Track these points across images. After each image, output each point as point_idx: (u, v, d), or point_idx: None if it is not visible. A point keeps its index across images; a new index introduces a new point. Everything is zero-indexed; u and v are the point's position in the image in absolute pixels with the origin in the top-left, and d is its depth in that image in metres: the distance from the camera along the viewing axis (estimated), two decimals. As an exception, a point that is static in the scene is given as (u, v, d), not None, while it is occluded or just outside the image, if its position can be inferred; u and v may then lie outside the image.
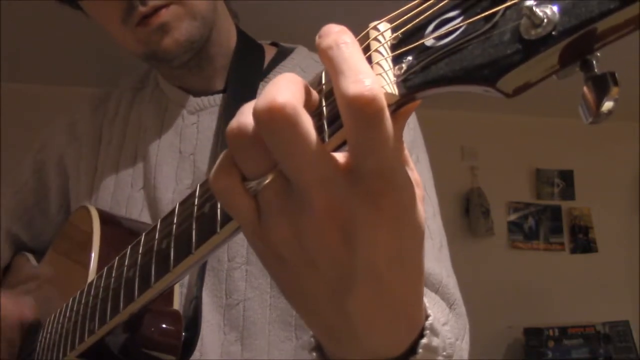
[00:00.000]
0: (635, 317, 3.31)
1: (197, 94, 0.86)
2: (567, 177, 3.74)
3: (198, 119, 0.85)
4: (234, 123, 0.33)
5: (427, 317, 0.42)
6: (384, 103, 0.29)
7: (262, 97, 0.31)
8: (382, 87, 0.28)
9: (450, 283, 0.72)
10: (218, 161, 0.35)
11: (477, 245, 3.44)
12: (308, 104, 0.34)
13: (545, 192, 3.69)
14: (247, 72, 0.86)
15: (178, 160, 0.83)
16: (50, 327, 0.73)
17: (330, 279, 0.34)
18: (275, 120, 0.31)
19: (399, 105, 0.30)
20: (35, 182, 1.01)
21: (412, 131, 0.83)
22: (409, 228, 0.34)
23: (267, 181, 0.34)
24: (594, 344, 3.16)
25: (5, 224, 1.02)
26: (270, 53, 0.91)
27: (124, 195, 0.86)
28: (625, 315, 3.29)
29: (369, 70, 0.30)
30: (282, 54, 0.90)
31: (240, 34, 0.90)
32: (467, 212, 3.48)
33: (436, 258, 0.73)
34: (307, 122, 0.31)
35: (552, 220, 3.68)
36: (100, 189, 0.88)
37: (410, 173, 0.35)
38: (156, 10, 0.74)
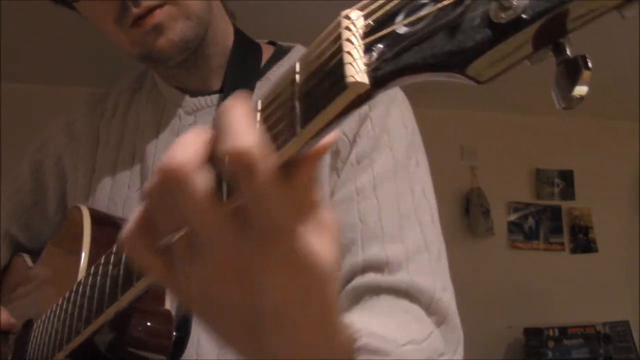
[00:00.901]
0: (635, 317, 3.31)
1: (194, 94, 0.86)
2: (567, 177, 3.73)
3: (195, 120, 0.84)
4: (147, 184, 0.37)
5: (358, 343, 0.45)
6: (259, 156, 0.32)
7: (163, 158, 0.35)
8: (353, 76, 0.28)
9: (444, 297, 0.71)
10: (131, 221, 0.38)
11: (477, 245, 3.44)
12: (213, 157, 0.36)
13: (545, 192, 3.69)
14: (244, 71, 0.85)
15: None
16: (41, 328, 0.73)
17: (242, 322, 0.38)
18: (170, 180, 0.34)
19: (370, 94, 0.29)
20: (33, 183, 1.00)
21: (410, 135, 0.81)
22: (306, 273, 0.36)
23: (178, 236, 0.36)
24: (594, 344, 3.16)
25: (3, 225, 1.02)
26: (267, 52, 0.90)
27: (121, 196, 0.85)
28: (625, 315, 3.29)
29: (247, 129, 0.33)
30: (280, 53, 0.90)
31: (237, 33, 0.89)
32: (467, 212, 3.47)
33: (431, 271, 0.72)
34: (199, 182, 0.34)
35: (552, 220, 3.68)
36: (98, 190, 0.88)
37: (320, 213, 0.38)
38: (150, 10, 0.73)
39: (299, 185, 0.36)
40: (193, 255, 0.37)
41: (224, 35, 0.86)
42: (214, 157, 0.36)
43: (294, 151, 0.32)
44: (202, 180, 0.34)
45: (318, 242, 0.37)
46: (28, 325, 0.81)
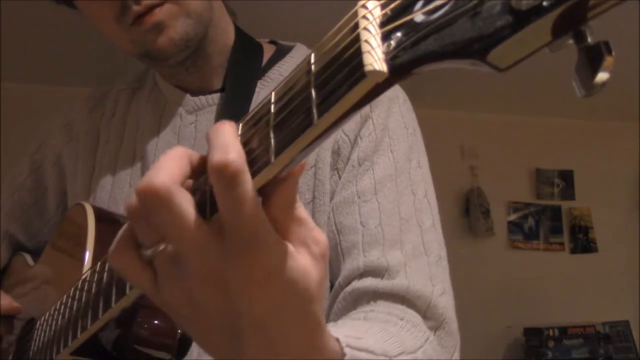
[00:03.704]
0: (635, 317, 3.31)
1: (195, 93, 0.85)
2: (567, 177, 3.74)
3: (196, 119, 0.84)
4: (131, 199, 0.38)
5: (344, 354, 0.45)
6: (242, 169, 0.34)
7: (143, 178, 0.37)
8: (372, 64, 0.28)
9: (441, 302, 0.71)
10: (118, 236, 0.41)
11: (477, 245, 3.44)
12: (195, 173, 0.39)
13: (545, 192, 3.69)
14: (245, 70, 0.85)
15: None
16: (44, 325, 0.72)
17: (222, 332, 0.39)
18: (150, 200, 0.36)
19: (388, 84, 0.29)
20: (33, 182, 1.00)
21: (411, 136, 0.81)
22: (284, 288, 0.38)
23: (160, 249, 0.39)
24: (594, 344, 3.16)
25: (3, 224, 1.02)
26: (268, 51, 0.89)
27: (121, 194, 0.85)
28: (625, 315, 3.29)
29: (235, 144, 0.35)
30: (281, 52, 0.89)
31: (238, 32, 0.89)
32: (467, 212, 3.47)
33: (430, 275, 0.72)
34: (181, 200, 0.36)
35: (552, 220, 3.68)
36: (98, 189, 0.88)
37: (305, 232, 0.40)
38: (150, 9, 0.72)
39: (281, 203, 0.39)
40: (174, 268, 0.39)
41: (225, 34, 0.86)
42: (201, 174, 0.39)
43: (309, 141, 0.32)
44: (181, 200, 0.36)
45: (303, 259, 0.39)
46: (31, 323, 0.80)
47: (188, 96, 0.85)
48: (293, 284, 0.38)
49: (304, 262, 0.39)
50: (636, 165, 3.70)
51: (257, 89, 0.83)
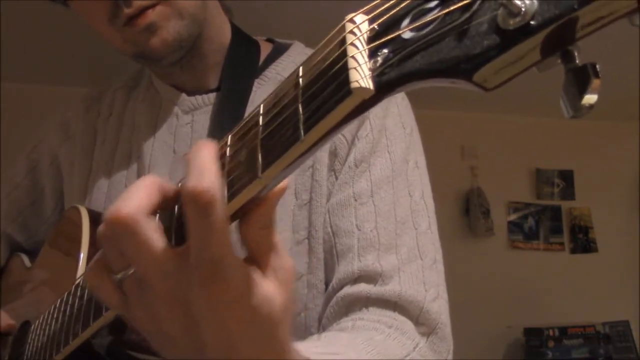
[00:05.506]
0: (635, 317, 3.31)
1: (191, 92, 0.84)
2: (567, 177, 3.73)
3: (192, 119, 0.83)
4: (101, 226, 0.40)
5: None
6: (215, 198, 0.35)
7: (111, 207, 0.38)
8: (358, 81, 0.27)
9: (434, 307, 0.70)
10: (95, 257, 0.43)
11: (477, 245, 3.44)
12: (165, 202, 0.40)
13: (545, 192, 3.69)
14: (242, 69, 0.84)
15: (172, 159, 0.82)
16: (38, 330, 0.72)
17: (189, 351, 0.41)
18: (117, 229, 0.38)
19: (375, 100, 0.28)
20: (30, 182, 1.00)
21: (408, 136, 0.80)
22: (246, 314, 0.38)
23: (129, 273, 0.41)
24: (594, 344, 3.16)
25: (0, 224, 1.02)
26: (266, 49, 0.88)
27: (117, 195, 0.84)
28: (625, 315, 3.29)
29: (212, 171, 0.36)
30: (278, 51, 0.88)
31: (235, 30, 0.88)
32: (467, 212, 3.47)
33: (423, 280, 0.71)
34: (147, 229, 0.38)
35: (552, 220, 3.68)
36: (94, 190, 0.87)
37: (274, 257, 0.40)
38: (142, 10, 0.72)
39: (259, 224, 0.39)
40: (141, 291, 0.40)
41: (221, 33, 0.85)
42: (169, 201, 0.40)
43: (295, 157, 0.32)
44: (147, 229, 0.38)
45: (267, 285, 0.40)
46: (25, 326, 0.80)
47: (184, 96, 0.84)
48: (256, 309, 0.39)
49: (268, 288, 0.40)
50: (636, 165, 3.70)
51: (254, 88, 0.82)
